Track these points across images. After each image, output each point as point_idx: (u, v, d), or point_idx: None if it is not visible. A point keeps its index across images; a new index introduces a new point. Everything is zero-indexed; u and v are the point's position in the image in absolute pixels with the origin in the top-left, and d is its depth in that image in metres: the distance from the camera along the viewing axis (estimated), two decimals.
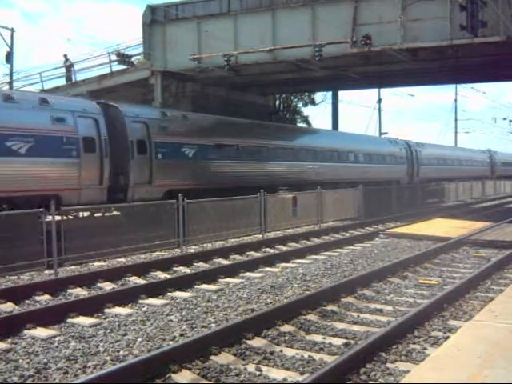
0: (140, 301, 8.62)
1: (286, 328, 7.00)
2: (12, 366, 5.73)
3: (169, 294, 9.12)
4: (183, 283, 9.76)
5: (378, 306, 8.23)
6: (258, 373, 5.60)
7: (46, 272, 10.95)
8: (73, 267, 11.45)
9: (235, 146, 20.26)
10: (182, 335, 6.70)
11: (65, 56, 28.21)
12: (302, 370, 5.64)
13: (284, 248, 14.57)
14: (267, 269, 11.43)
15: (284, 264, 11.98)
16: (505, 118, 65.91)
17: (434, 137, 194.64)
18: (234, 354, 6.06)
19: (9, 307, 8.28)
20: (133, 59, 25.81)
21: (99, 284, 9.84)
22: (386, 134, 42.97)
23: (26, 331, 6.95)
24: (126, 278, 10.34)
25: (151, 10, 24.93)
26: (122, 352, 6.12)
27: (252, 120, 23.54)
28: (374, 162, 29.85)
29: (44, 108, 14.09)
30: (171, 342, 6.41)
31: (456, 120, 59.57)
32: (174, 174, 17.35)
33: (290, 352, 6.18)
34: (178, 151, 17.56)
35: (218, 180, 19.08)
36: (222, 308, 8.04)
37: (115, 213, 15.50)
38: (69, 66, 27.71)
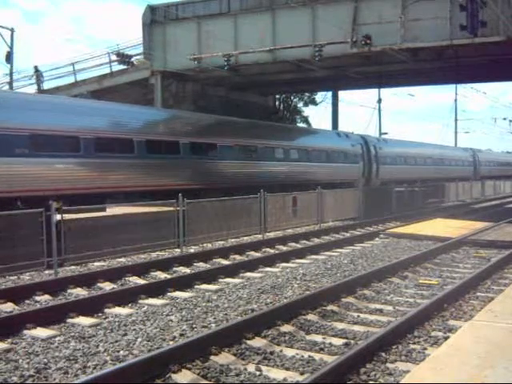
0: (140, 301, 8.62)
1: (286, 328, 7.00)
2: (12, 366, 5.73)
3: (169, 294, 9.12)
4: (183, 283, 9.75)
5: (378, 306, 8.23)
6: (257, 373, 5.60)
7: (46, 272, 10.95)
8: (73, 267, 11.46)
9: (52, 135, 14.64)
10: (182, 335, 6.70)
11: (35, 67, 29.01)
12: (302, 370, 5.63)
13: (284, 248, 14.56)
14: (267, 269, 11.43)
15: (284, 264, 11.97)
16: (505, 118, 66.00)
17: (434, 137, 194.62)
18: (234, 354, 6.06)
19: (9, 307, 8.28)
20: (133, 59, 25.84)
21: (99, 284, 9.84)
22: (386, 134, 43.05)
23: (26, 331, 6.95)
24: (126, 278, 10.33)
25: (151, 9, 24.98)
26: (122, 352, 6.12)
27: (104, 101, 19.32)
28: (311, 159, 24.69)
29: None
30: (171, 342, 6.41)
31: (456, 120, 59.66)
32: None
33: (290, 352, 6.18)
34: None
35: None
36: (222, 308, 8.03)
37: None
38: (38, 77, 28.36)
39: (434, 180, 33.28)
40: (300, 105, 43.05)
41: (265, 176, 21.72)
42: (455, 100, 61.03)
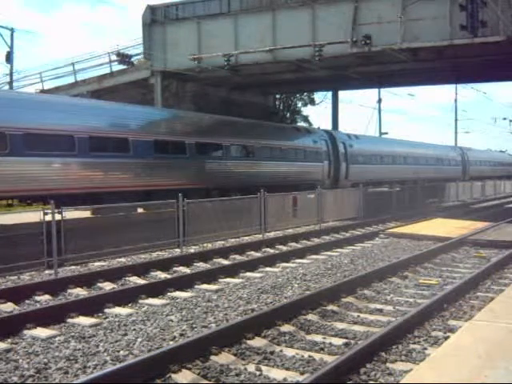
0: (140, 301, 8.62)
1: (286, 328, 7.00)
2: (12, 366, 5.73)
3: (169, 294, 9.12)
4: (183, 283, 9.75)
5: (378, 306, 8.23)
6: (258, 373, 5.60)
7: (46, 272, 10.95)
8: (73, 267, 11.45)
9: None
10: (182, 335, 6.70)
11: None
12: (302, 370, 5.63)
13: (284, 248, 14.56)
14: (267, 269, 11.43)
15: (284, 264, 11.97)
16: (505, 118, 66.04)
17: (434, 137, 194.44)
18: (234, 354, 6.06)
19: (9, 307, 8.28)
20: (133, 59, 25.85)
21: (99, 284, 9.84)
22: (386, 133, 43.02)
23: (26, 331, 6.95)
24: (126, 278, 10.34)
25: (151, 10, 24.99)
26: (122, 352, 6.12)
27: None
28: (258, 158, 21.85)
29: None
30: (171, 342, 6.41)
31: (456, 120, 59.57)
32: None
33: (290, 352, 6.18)
34: None
35: None
36: (222, 308, 8.04)
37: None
38: None
39: (414, 181, 30.76)
40: (299, 105, 43.10)
41: (191, 177, 18.31)
42: (455, 100, 60.93)
